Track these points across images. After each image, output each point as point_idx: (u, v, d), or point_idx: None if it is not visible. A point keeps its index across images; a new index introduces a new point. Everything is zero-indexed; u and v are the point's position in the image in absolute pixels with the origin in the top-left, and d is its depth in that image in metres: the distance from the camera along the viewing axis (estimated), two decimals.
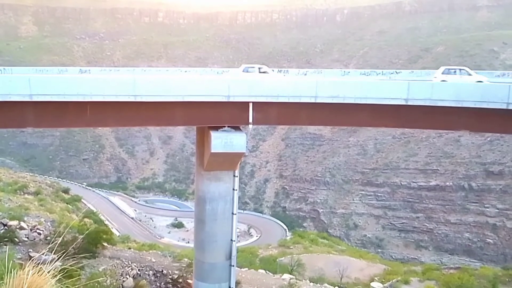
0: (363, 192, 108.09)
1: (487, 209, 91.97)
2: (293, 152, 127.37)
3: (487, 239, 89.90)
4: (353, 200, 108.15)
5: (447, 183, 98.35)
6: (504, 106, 12.52)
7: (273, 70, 21.34)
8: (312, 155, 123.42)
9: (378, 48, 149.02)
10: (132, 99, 13.08)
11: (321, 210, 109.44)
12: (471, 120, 13.99)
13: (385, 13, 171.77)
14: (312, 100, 13.82)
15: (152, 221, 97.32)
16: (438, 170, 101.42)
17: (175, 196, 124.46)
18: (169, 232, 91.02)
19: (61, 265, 4.85)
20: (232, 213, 15.97)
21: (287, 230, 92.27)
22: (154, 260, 25.58)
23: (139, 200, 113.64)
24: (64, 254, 5.09)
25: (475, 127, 15.71)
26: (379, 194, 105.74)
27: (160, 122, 16.25)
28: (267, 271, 31.16)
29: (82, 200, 67.80)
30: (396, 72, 18.13)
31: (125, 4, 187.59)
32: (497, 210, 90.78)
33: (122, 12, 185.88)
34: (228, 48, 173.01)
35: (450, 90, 13.29)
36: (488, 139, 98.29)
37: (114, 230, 57.75)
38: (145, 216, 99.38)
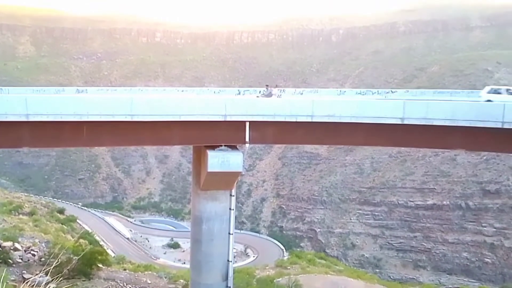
0: (360, 211, 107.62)
1: (485, 228, 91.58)
2: (290, 171, 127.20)
3: (485, 259, 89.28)
4: (351, 219, 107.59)
5: (444, 202, 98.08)
6: (499, 125, 12.61)
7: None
8: (309, 174, 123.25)
9: (374, 68, 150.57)
10: (129, 118, 13.08)
11: (319, 229, 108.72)
12: (467, 139, 14.06)
13: (380, 33, 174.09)
14: (309, 119, 13.87)
15: (148, 241, 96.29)
16: (435, 189, 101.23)
17: (171, 216, 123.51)
18: (165, 253, 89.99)
19: (55, 287, 4.78)
20: (229, 233, 15.83)
21: (284, 250, 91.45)
22: (149, 282, 25.24)
23: (134, 220, 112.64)
24: (59, 276, 5.02)
25: (471, 146, 15.79)
26: (376, 213, 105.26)
27: (156, 141, 16.25)
28: None
29: (78, 220, 67.18)
30: (392, 92, 18.29)
31: (123, 25, 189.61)
32: (494, 229, 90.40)
33: (119, 32, 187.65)
34: (225, 68, 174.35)
35: (445, 109, 13.40)
36: (484, 157, 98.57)
37: (109, 251, 57.11)
38: (141, 236, 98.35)
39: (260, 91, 18.18)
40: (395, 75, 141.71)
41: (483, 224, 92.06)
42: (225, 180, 15.05)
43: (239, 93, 17.33)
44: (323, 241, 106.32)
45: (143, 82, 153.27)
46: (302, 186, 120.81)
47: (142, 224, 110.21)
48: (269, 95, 17.35)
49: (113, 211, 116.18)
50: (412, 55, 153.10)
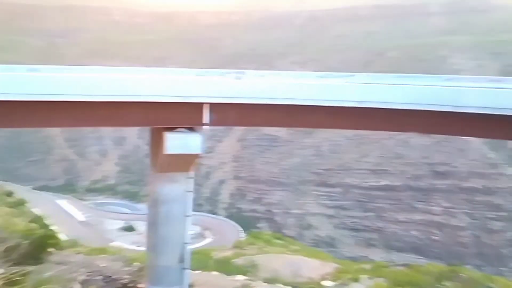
0: (317, 193, 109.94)
1: (433, 207, 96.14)
2: (249, 154, 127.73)
3: (433, 237, 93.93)
4: (308, 200, 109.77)
5: (397, 183, 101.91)
6: (451, 109, 13.07)
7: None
8: (269, 156, 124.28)
9: (336, 52, 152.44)
10: (84, 98, 12.55)
11: (276, 210, 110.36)
12: (421, 122, 14.47)
13: (343, 17, 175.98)
14: (270, 102, 13.82)
15: (103, 224, 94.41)
16: (388, 170, 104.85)
17: (128, 199, 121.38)
18: (120, 236, 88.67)
19: (4, 272, 4.58)
20: (186, 215, 15.65)
21: (242, 231, 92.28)
22: (103, 265, 24.70)
23: (89, 203, 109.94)
24: (8, 261, 4.82)
25: (424, 129, 16.24)
26: (332, 194, 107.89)
27: (114, 123, 15.57)
28: (221, 273, 30.95)
29: (28, 203, 64.68)
30: (352, 75, 18.55)
31: (80, 1, 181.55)
32: (442, 209, 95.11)
33: (76, 9, 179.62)
34: (188, 48, 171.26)
35: (401, 93, 13.74)
36: (436, 140, 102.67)
37: (62, 235, 55.57)
38: (95, 219, 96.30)
39: None
40: (356, 59, 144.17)
41: (432, 204, 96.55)
42: (184, 162, 14.73)
43: (200, 75, 16.98)
44: (280, 222, 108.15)
45: (101, 61, 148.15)
46: (262, 168, 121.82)
47: (97, 207, 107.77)
48: None
49: (66, 194, 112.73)
50: (373, 40, 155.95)
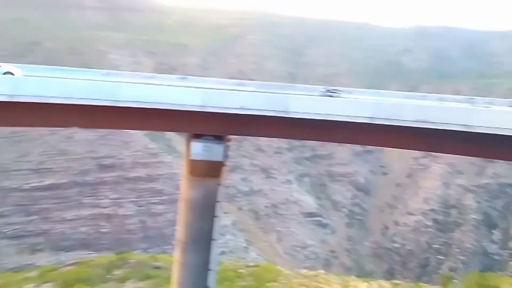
0: None
1: (102, 200, 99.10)
2: None
3: (102, 229, 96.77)
4: None
5: (62, 181, 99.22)
6: (110, 103, 13.58)
7: None
8: None
9: None
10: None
11: None
12: (82, 117, 14.42)
13: None
14: None
15: None
16: (53, 168, 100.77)
17: None
18: None
19: None
20: None
21: None
22: None
23: None
24: None
25: (85, 123, 16.34)
26: None
27: None
28: None
29: None
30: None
31: None
32: (110, 201, 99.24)
33: None
34: None
35: (59, 86, 13.24)
36: (101, 134, 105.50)
37: None
38: None
39: None
40: (6, 47, 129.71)
41: (100, 197, 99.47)
42: None
43: None
44: None
45: None
46: None
47: None
48: None
49: None
50: (26, 27, 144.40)
